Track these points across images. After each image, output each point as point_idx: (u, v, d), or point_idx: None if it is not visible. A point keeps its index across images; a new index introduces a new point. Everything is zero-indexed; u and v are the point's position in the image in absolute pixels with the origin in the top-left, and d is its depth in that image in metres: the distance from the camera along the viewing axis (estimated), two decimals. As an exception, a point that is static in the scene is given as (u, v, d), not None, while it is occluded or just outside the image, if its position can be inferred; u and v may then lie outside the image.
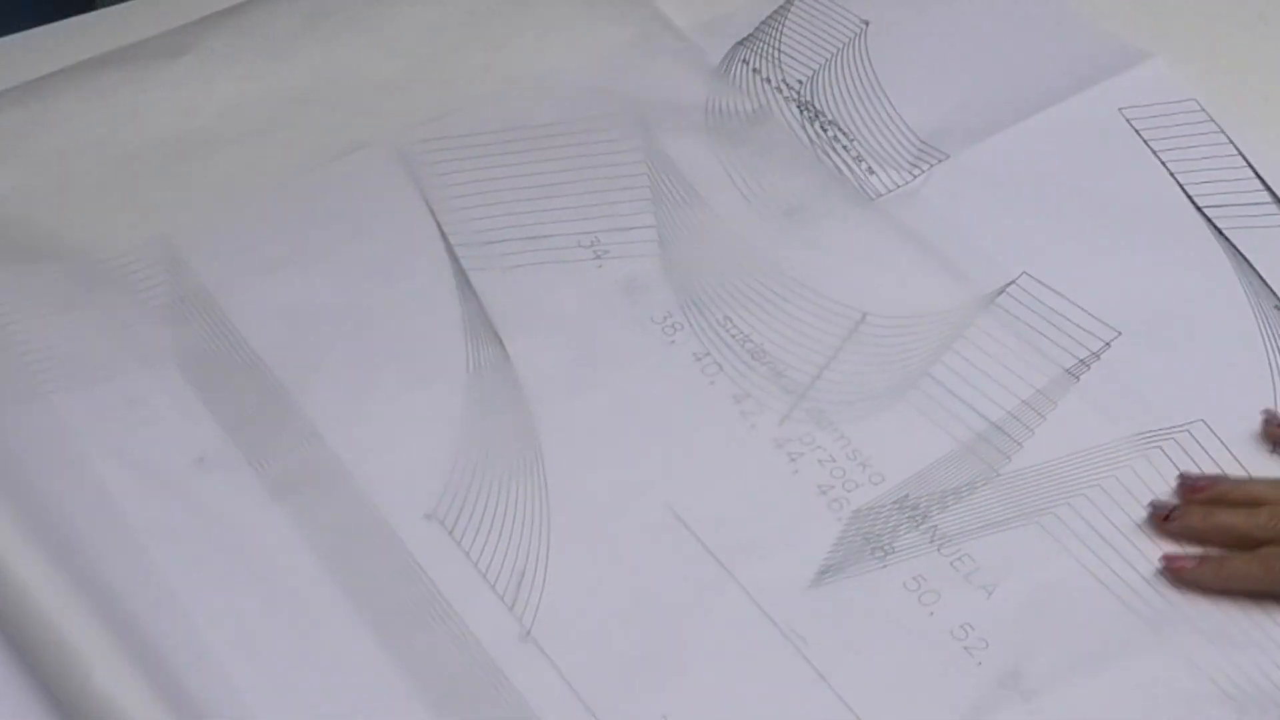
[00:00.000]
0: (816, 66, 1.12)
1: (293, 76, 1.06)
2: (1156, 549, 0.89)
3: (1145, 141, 1.08)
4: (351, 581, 0.86)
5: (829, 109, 1.10)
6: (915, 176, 1.07)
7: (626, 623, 0.85)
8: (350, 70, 1.07)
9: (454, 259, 1.00)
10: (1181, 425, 0.94)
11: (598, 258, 1.01)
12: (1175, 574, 0.86)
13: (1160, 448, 0.93)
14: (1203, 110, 1.10)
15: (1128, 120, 1.09)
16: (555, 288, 0.99)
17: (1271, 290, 1.00)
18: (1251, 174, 1.07)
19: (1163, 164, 1.07)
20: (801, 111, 1.09)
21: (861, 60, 1.12)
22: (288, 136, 1.04)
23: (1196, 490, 0.89)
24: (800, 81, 1.11)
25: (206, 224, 1.00)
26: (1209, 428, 0.93)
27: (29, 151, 1.02)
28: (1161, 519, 0.89)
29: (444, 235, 1.01)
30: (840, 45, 1.13)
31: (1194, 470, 0.90)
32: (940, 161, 1.07)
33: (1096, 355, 0.97)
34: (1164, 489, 0.91)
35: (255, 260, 0.99)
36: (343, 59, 1.07)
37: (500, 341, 0.96)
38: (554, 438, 0.92)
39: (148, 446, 0.90)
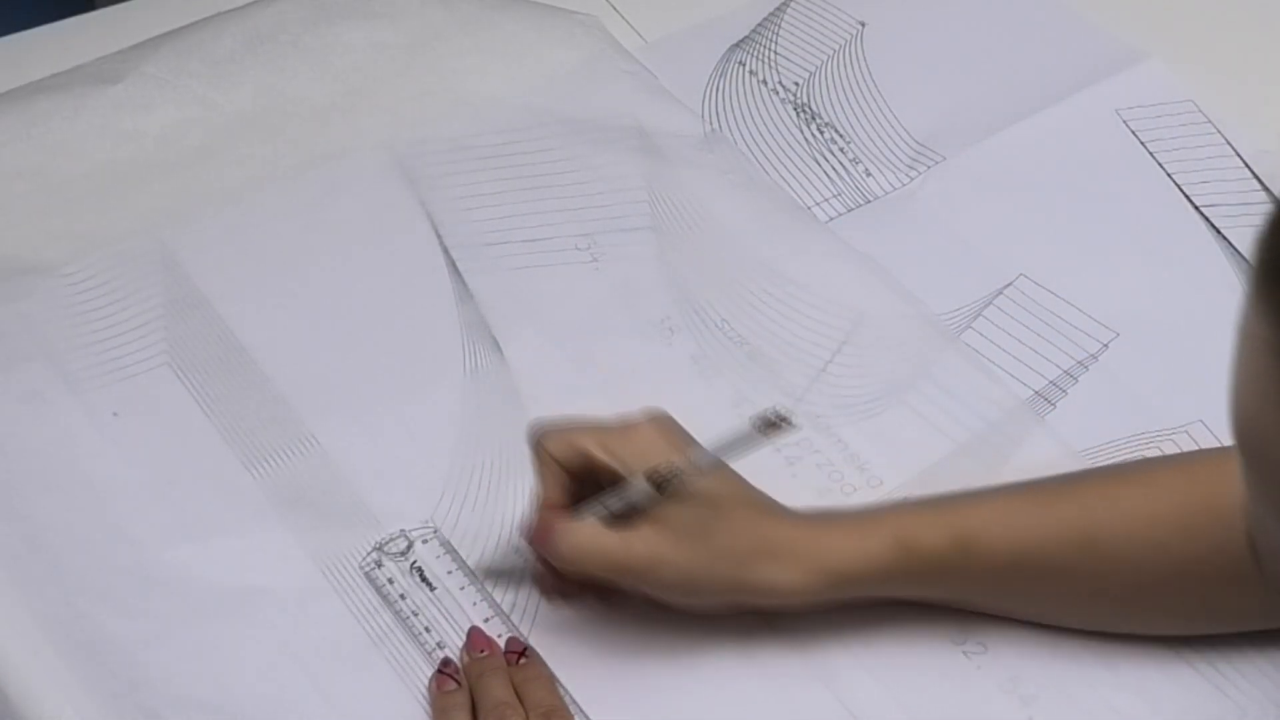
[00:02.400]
0: (813, 68, 1.12)
1: (234, 100, 1.05)
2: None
3: (1142, 142, 1.08)
4: (347, 585, 0.86)
5: (825, 111, 1.10)
6: (912, 178, 1.07)
7: (625, 628, 0.85)
8: (292, 94, 1.07)
9: (450, 262, 1.00)
10: (1180, 426, 0.94)
11: (595, 260, 1.01)
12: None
13: (1159, 448, 0.92)
14: (1199, 110, 1.10)
15: (1124, 121, 1.09)
16: (552, 290, 0.99)
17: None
18: (1248, 173, 1.07)
19: (1160, 164, 1.07)
20: (798, 114, 1.09)
21: (858, 62, 1.12)
22: (229, 159, 1.04)
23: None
24: (797, 84, 1.11)
25: (181, 235, 1.00)
26: (1207, 428, 0.93)
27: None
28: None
29: (440, 238, 1.01)
30: (837, 47, 1.13)
31: None
32: (937, 163, 1.07)
33: (1095, 356, 0.97)
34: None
35: (250, 268, 0.99)
36: (285, 82, 1.07)
37: (497, 344, 0.96)
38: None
39: (144, 451, 0.90)
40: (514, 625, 0.85)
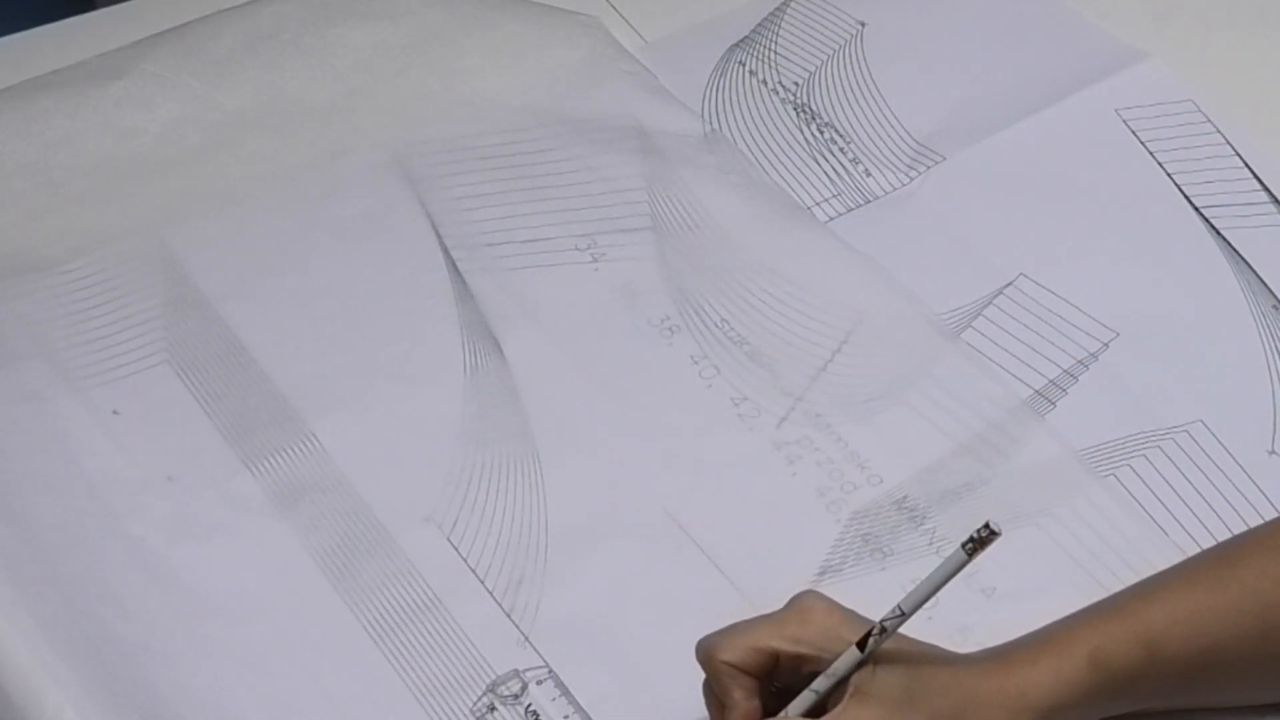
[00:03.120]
0: (813, 68, 1.12)
1: (234, 99, 1.05)
2: (1156, 548, 0.89)
3: (1142, 142, 1.08)
4: (348, 584, 0.86)
5: (825, 111, 1.10)
6: (912, 178, 1.07)
7: (624, 627, 0.85)
8: (292, 94, 1.07)
9: (450, 262, 1.00)
10: (1180, 425, 0.94)
11: (595, 260, 1.01)
12: None
13: (1159, 448, 0.93)
14: (1199, 110, 1.10)
15: (1124, 121, 1.09)
16: (552, 290, 0.99)
17: (1269, 290, 1.00)
18: (1248, 174, 1.07)
19: (1159, 165, 1.07)
20: (798, 114, 1.09)
21: (858, 62, 1.12)
22: (229, 158, 1.04)
23: None
24: (797, 84, 1.11)
25: (181, 233, 1.00)
26: (1207, 428, 0.93)
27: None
28: None
29: (440, 238, 1.01)
30: (836, 47, 1.13)
31: None
32: (937, 164, 1.07)
33: (1094, 356, 0.97)
34: (1164, 488, 0.91)
35: (250, 267, 0.99)
36: (285, 82, 1.07)
37: (497, 344, 0.96)
38: (551, 441, 0.92)
39: (145, 449, 0.90)
40: (514, 623, 0.85)
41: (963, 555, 0.75)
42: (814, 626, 0.78)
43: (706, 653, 0.78)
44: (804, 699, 0.77)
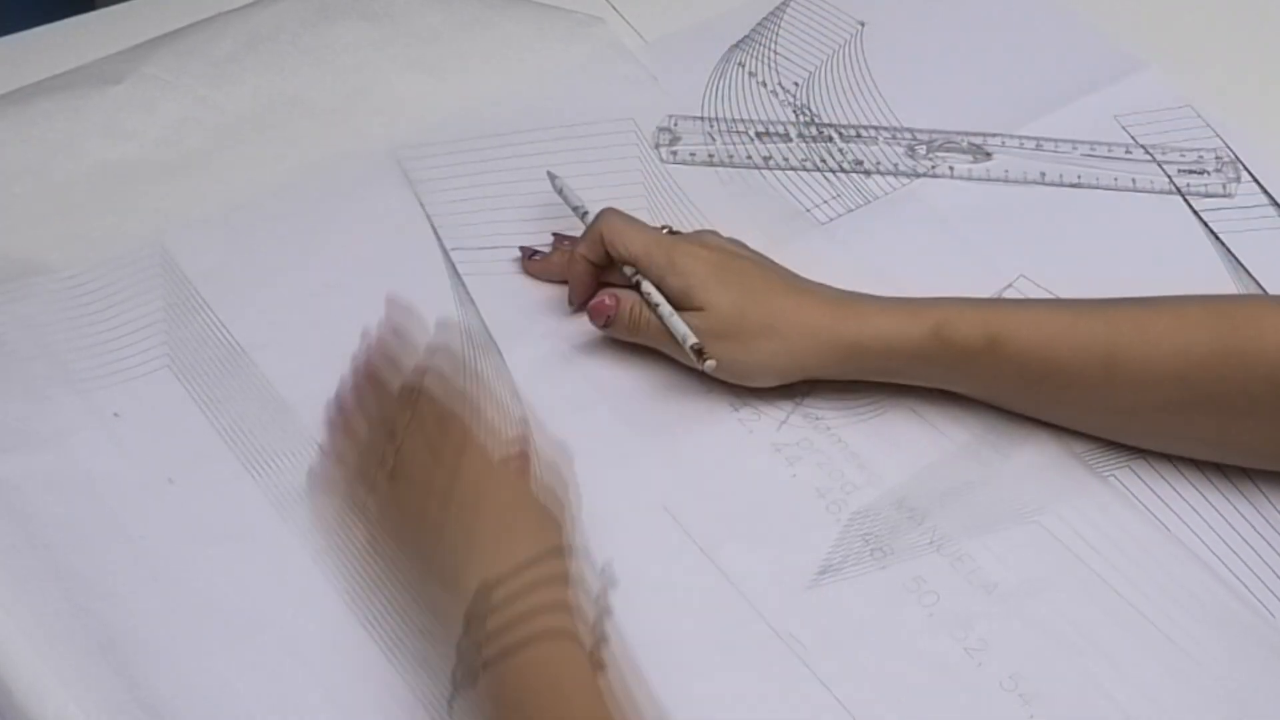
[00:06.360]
0: (812, 68, 1.12)
1: (234, 101, 1.05)
2: (1156, 548, 0.89)
3: (1142, 147, 1.09)
4: (348, 585, 0.86)
5: (825, 111, 1.10)
6: (912, 179, 1.07)
7: (624, 627, 0.85)
8: (292, 94, 1.07)
9: (450, 264, 1.00)
10: (1180, 426, 0.94)
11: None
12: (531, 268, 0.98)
13: (1159, 448, 0.93)
14: (1198, 115, 1.10)
15: (1124, 127, 1.09)
16: (552, 292, 0.99)
17: (1265, 292, 1.00)
18: (1248, 176, 1.07)
19: (1160, 166, 1.07)
20: (797, 114, 1.09)
21: (858, 62, 1.12)
22: (230, 160, 1.03)
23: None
24: (796, 84, 1.11)
25: (181, 236, 1.00)
26: (1207, 428, 0.93)
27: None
28: (527, 258, 0.99)
29: (440, 239, 1.01)
30: (836, 47, 1.13)
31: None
32: (937, 164, 1.07)
33: (1094, 356, 0.97)
34: (1164, 488, 0.91)
35: (250, 270, 0.99)
36: (285, 82, 1.07)
37: (497, 346, 0.96)
38: (551, 443, 0.92)
39: (145, 452, 0.90)
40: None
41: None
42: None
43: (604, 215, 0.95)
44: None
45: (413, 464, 0.83)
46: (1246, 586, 0.88)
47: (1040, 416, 0.92)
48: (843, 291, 0.93)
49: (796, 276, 0.93)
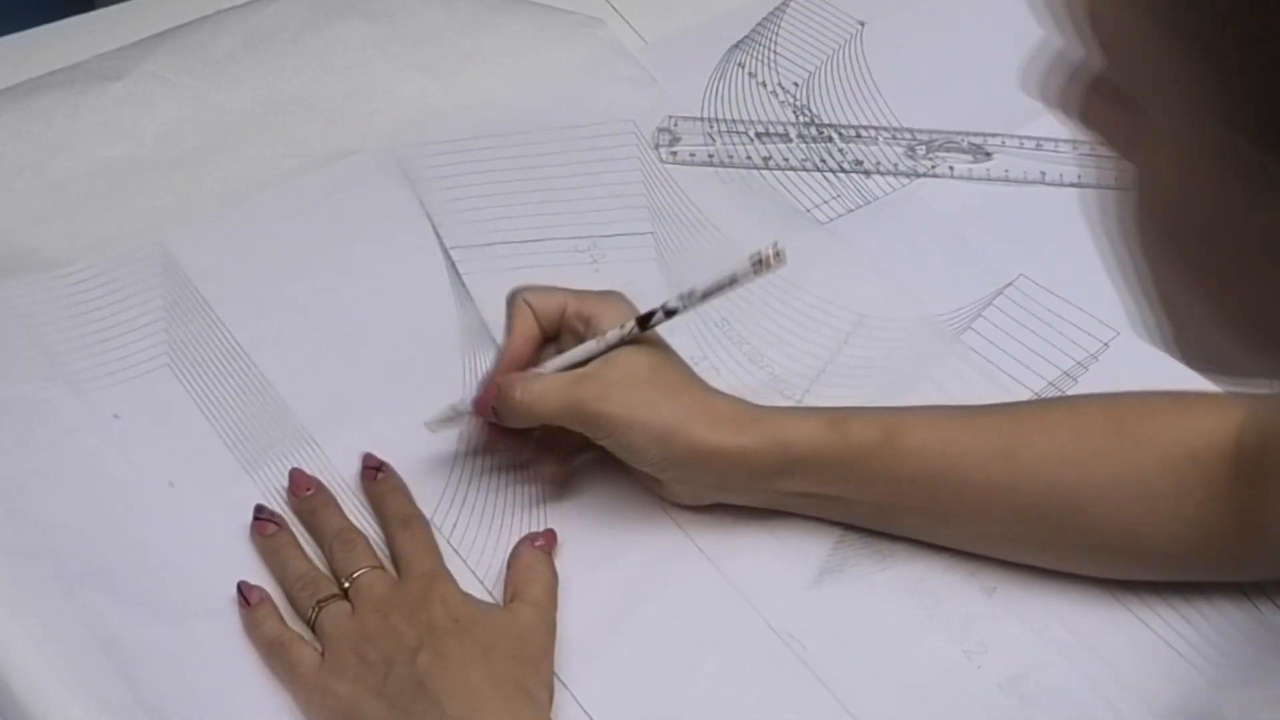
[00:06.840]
0: (812, 68, 1.12)
1: (234, 100, 1.05)
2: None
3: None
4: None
5: (825, 112, 1.10)
6: (912, 179, 1.07)
7: (625, 627, 0.85)
8: (292, 94, 1.06)
9: (450, 263, 1.00)
10: (1180, 426, 0.94)
11: (595, 262, 1.01)
12: None
13: (1159, 449, 0.93)
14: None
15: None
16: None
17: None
18: (1248, 175, 1.07)
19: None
20: (797, 115, 1.09)
21: (858, 62, 1.12)
22: (229, 159, 1.03)
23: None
24: (796, 84, 1.11)
25: (181, 235, 1.00)
26: (1207, 429, 0.93)
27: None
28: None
29: (440, 239, 1.01)
30: (836, 47, 1.13)
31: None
32: (937, 163, 1.07)
33: (1095, 356, 0.97)
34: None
35: (250, 269, 0.99)
36: (284, 82, 1.06)
37: (497, 346, 0.96)
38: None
39: (145, 452, 0.90)
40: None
41: (749, 269, 0.84)
42: (608, 302, 0.88)
43: (516, 290, 0.90)
44: (570, 355, 0.86)
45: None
46: (1242, 590, 0.88)
47: (937, 529, 0.88)
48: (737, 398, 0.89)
49: (696, 386, 0.88)
